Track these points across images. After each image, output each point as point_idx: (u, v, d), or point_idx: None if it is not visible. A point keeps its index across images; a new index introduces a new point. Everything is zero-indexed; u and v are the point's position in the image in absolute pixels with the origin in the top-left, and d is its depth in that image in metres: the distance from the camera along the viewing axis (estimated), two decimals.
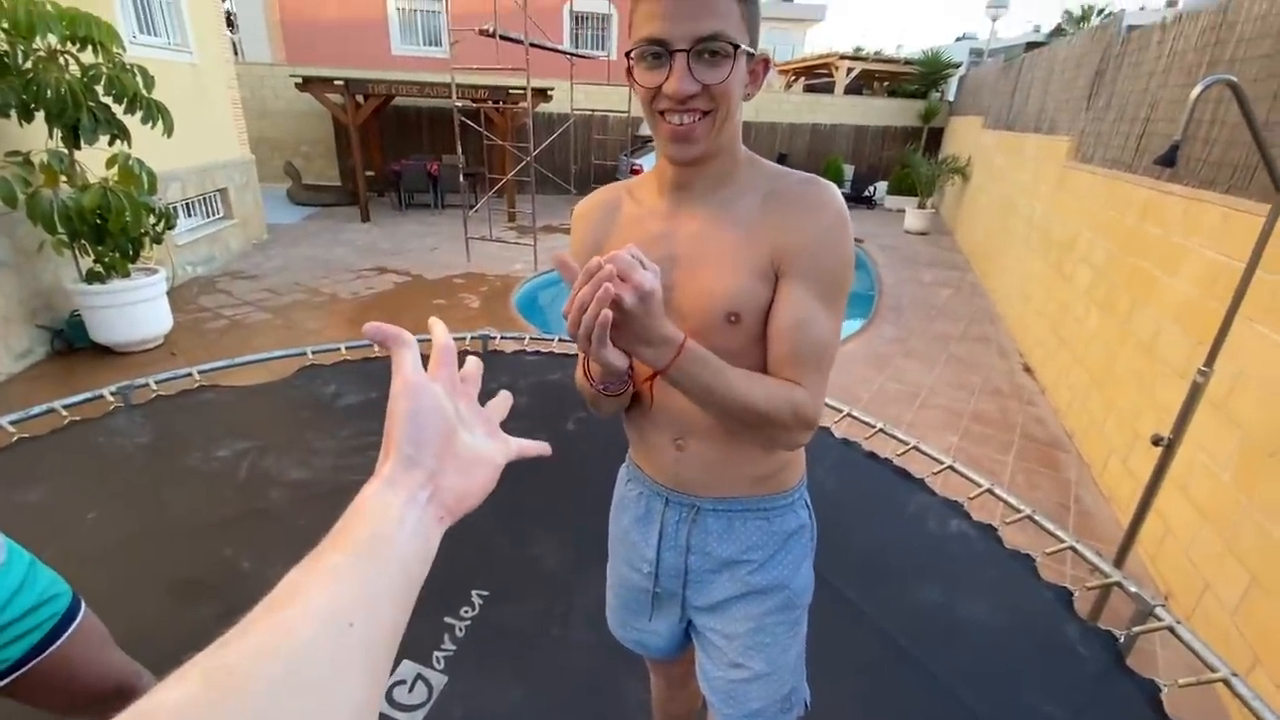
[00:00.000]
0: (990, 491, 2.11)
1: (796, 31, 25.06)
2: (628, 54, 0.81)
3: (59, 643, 0.99)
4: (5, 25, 3.59)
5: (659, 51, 0.77)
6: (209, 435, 2.56)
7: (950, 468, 2.25)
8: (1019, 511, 2.03)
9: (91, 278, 4.21)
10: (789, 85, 18.50)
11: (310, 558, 0.35)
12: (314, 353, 3.01)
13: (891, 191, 12.76)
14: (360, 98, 8.94)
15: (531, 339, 3.68)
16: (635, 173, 10.47)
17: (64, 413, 2.40)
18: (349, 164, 10.28)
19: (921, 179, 10.36)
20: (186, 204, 6.50)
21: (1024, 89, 7.60)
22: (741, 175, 0.89)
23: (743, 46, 0.77)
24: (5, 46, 3.65)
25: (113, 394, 2.56)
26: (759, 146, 13.26)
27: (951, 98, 14.38)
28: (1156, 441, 2.06)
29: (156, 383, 2.67)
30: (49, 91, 3.69)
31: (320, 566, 0.34)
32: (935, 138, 13.54)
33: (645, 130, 12.86)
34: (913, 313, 6.24)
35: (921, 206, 10.35)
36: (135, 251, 4.35)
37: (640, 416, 1.01)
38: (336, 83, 8.77)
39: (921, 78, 14.35)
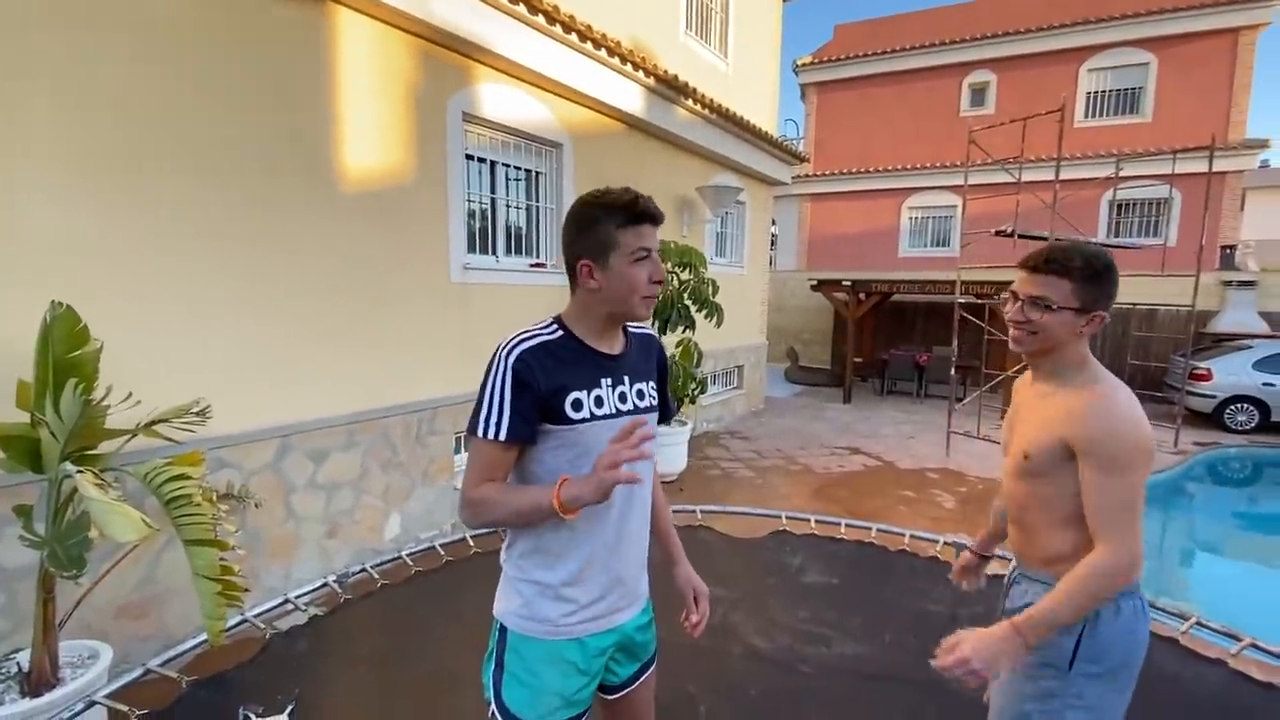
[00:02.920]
0: None
1: None
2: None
3: (647, 674, 1.39)
4: None
5: (1012, 296, 1.39)
6: (700, 573, 2.99)
7: None
8: None
9: None
10: None
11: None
12: (787, 518, 3.23)
13: None
14: (862, 295, 9.92)
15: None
16: (1198, 377, 8.08)
17: None
18: (841, 350, 11.33)
19: None
20: (714, 375, 8.27)
21: None
22: (1067, 373, 1.37)
23: (1067, 307, 1.32)
24: None
25: None
26: None
27: None
28: None
29: (673, 512, 3.33)
30: (659, 297, 5.42)
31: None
32: None
33: (1224, 326, 9.91)
34: None
35: None
36: (678, 407, 5.72)
37: None
38: (844, 283, 10.02)
39: None
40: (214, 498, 2.24)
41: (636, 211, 1.18)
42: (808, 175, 14.20)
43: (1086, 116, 12.38)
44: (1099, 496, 1.26)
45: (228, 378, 3.02)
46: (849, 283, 9.95)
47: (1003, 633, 1.25)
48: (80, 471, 1.94)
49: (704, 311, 5.72)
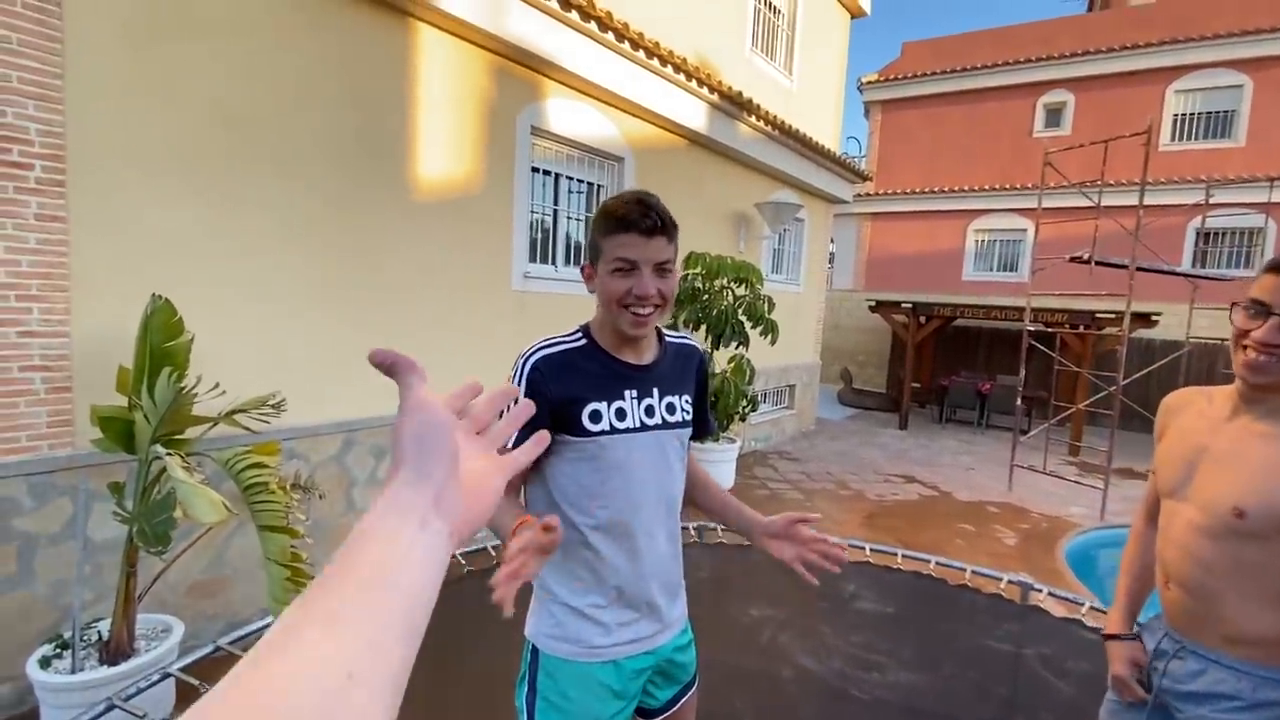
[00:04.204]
0: None
1: None
2: (1239, 303, 1.10)
3: (687, 696, 1.33)
4: (703, 271, 5.51)
5: (1261, 309, 1.06)
6: (749, 592, 2.95)
7: None
8: None
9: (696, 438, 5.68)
10: None
11: (314, 587, 0.33)
12: (845, 545, 3.14)
13: None
14: (923, 318, 9.61)
15: (1091, 608, 2.87)
16: None
17: None
18: (898, 374, 10.98)
19: None
20: (765, 394, 8.15)
21: None
22: None
23: None
24: (700, 284, 5.59)
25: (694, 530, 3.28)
26: None
27: None
28: None
29: (722, 530, 3.28)
30: (714, 311, 5.40)
31: (319, 609, 0.32)
32: None
33: None
34: None
35: None
36: (727, 424, 5.65)
37: None
38: (904, 305, 9.73)
39: None
40: (286, 487, 2.34)
41: (618, 218, 1.10)
42: (869, 194, 13.92)
43: (1173, 140, 11.71)
44: None
45: (301, 372, 3.16)
46: (909, 305, 9.66)
47: None
48: (170, 454, 2.06)
49: (759, 328, 5.66)
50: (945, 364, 11.56)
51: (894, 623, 2.77)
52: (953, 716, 2.21)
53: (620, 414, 1.16)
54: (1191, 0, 11.85)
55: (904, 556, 3.00)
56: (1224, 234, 11.42)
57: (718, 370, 5.48)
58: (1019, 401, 7.19)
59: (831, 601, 2.87)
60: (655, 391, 1.21)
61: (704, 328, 5.56)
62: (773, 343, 5.66)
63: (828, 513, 5.60)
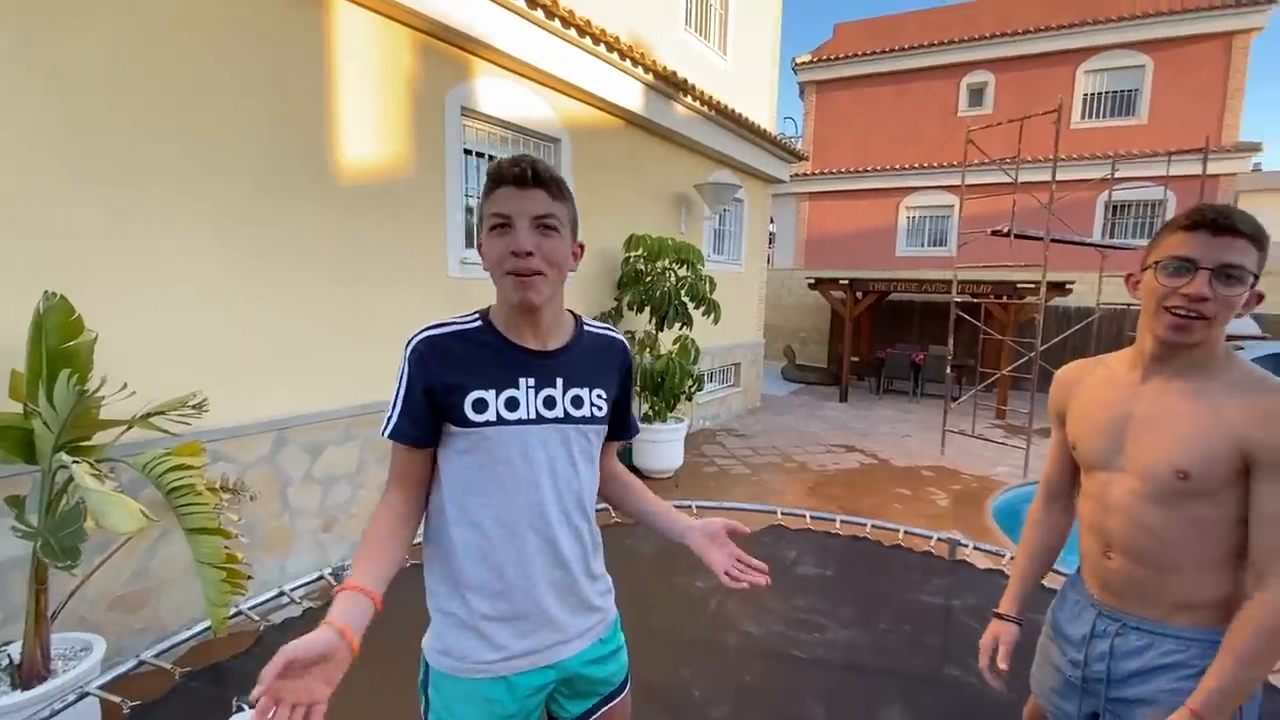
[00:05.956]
0: None
1: None
2: (1156, 264, 1.10)
3: (608, 708, 1.20)
4: (645, 253, 5.52)
5: (1187, 266, 1.05)
6: (697, 564, 3.00)
7: None
8: None
9: (644, 419, 5.73)
10: None
11: None
12: (782, 514, 3.25)
13: None
14: (860, 294, 9.94)
15: (1011, 559, 3.08)
16: None
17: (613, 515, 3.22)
18: (838, 349, 11.34)
19: None
20: (712, 373, 8.28)
21: None
22: (1217, 367, 1.11)
23: (1256, 275, 1.05)
24: (642, 266, 5.60)
25: None
26: None
27: None
28: None
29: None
30: (657, 294, 5.43)
31: None
32: None
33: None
34: None
35: None
36: (674, 404, 5.72)
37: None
38: (842, 282, 10.04)
39: None
40: (215, 488, 2.23)
41: (490, 175, 1.02)
42: (806, 174, 14.21)
43: (1083, 118, 12.42)
44: None
45: (223, 371, 3.00)
46: (846, 281, 9.97)
47: None
48: (76, 462, 1.93)
49: (702, 308, 5.73)
50: (882, 337, 12.01)
51: (833, 585, 2.90)
52: (889, 669, 2.34)
53: (511, 403, 1.04)
54: None
55: (842, 522, 3.13)
56: (1130, 206, 12.25)
57: (663, 351, 5.53)
58: (948, 370, 7.57)
59: (775, 567, 2.94)
60: (559, 381, 1.09)
61: (648, 309, 5.58)
62: (716, 322, 5.75)
63: (774, 485, 5.77)
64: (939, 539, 2.95)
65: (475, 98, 4.30)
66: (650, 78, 5.59)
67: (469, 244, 4.45)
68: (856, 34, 14.26)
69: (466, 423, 1.03)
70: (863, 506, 5.22)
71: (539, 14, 4.30)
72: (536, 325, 1.07)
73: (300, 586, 2.63)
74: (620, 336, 1.24)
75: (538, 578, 1.08)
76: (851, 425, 8.40)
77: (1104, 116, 12.38)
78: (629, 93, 5.50)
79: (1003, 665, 1.35)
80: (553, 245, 1.02)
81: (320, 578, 2.73)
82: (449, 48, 4.07)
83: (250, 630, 2.49)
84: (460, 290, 4.28)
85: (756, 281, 9.17)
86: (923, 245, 13.78)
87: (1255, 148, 11.38)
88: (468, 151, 4.40)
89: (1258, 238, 1.05)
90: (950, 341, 7.32)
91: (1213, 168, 9.90)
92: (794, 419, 8.74)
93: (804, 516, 3.24)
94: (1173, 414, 1.10)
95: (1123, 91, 12.24)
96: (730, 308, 7.75)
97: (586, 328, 1.17)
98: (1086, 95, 12.45)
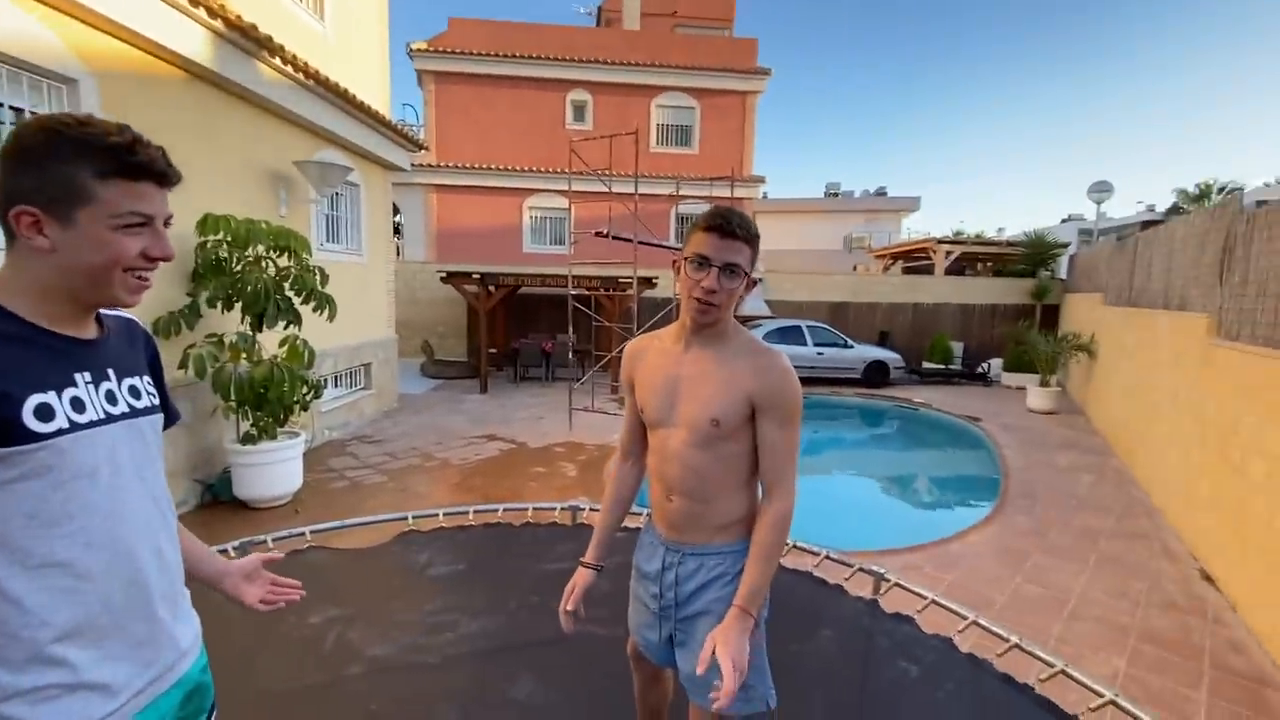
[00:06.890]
0: None
1: (891, 221, 26.37)
2: (686, 259, 1.35)
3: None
4: (228, 239, 4.58)
5: (704, 263, 1.32)
6: (308, 599, 2.63)
7: (1112, 702, 1.81)
8: None
9: (246, 439, 4.78)
10: (887, 268, 19.03)
11: None
12: (414, 518, 3.11)
13: (1008, 368, 12.16)
14: (491, 287, 10.24)
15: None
16: None
17: None
18: (476, 342, 11.50)
19: (1041, 356, 9.84)
20: (336, 376, 7.44)
21: (1143, 267, 7.35)
22: (730, 338, 1.43)
23: (748, 273, 1.35)
24: (225, 254, 4.64)
25: (235, 549, 2.75)
26: (859, 325, 13.35)
27: (1064, 275, 14.12)
28: None
29: (274, 540, 2.84)
30: (249, 288, 4.56)
31: None
32: (1050, 314, 13.08)
33: (744, 310, 13.49)
34: (1050, 501, 5.54)
35: (1045, 384, 9.69)
36: (285, 417, 4.93)
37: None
38: (474, 276, 10.17)
39: (1028, 258, 14.37)
40: None
41: (134, 162, 0.85)
42: (431, 165, 13.89)
43: (658, 143, 15.24)
44: (780, 447, 1.36)
45: None
46: (478, 275, 10.14)
47: (740, 623, 1.28)
48: None
49: (312, 304, 5.06)
50: (516, 328, 12.66)
51: (465, 578, 2.92)
52: (521, 643, 2.48)
53: (77, 405, 0.88)
54: (659, 35, 15.42)
55: (475, 512, 3.18)
56: (692, 217, 15.58)
57: (265, 356, 4.69)
58: (571, 355, 8.44)
59: (405, 578, 2.84)
60: (111, 373, 0.96)
61: (239, 306, 4.65)
62: (331, 319, 5.15)
63: (416, 488, 5.53)
64: (562, 508, 3.25)
65: None
66: (219, 25, 4.61)
67: None
68: (473, 32, 14.49)
69: (28, 437, 0.81)
70: (502, 491, 5.42)
71: None
72: (76, 315, 0.93)
73: None
74: (132, 315, 1.11)
75: (152, 591, 0.96)
76: (492, 415, 8.63)
77: (671, 144, 15.45)
78: (188, 38, 4.43)
79: (568, 608, 1.57)
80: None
81: None
82: None
83: None
84: None
85: (384, 274, 8.58)
86: (545, 243, 14.99)
87: (760, 180, 15.80)
88: None
89: (750, 240, 1.33)
90: (570, 330, 8.16)
91: (739, 192, 13.32)
92: (434, 416, 8.54)
93: (437, 515, 3.17)
94: (705, 377, 1.39)
95: (681, 126, 15.47)
96: (353, 302, 7.07)
97: (101, 311, 1.01)
98: (659, 125, 15.31)
